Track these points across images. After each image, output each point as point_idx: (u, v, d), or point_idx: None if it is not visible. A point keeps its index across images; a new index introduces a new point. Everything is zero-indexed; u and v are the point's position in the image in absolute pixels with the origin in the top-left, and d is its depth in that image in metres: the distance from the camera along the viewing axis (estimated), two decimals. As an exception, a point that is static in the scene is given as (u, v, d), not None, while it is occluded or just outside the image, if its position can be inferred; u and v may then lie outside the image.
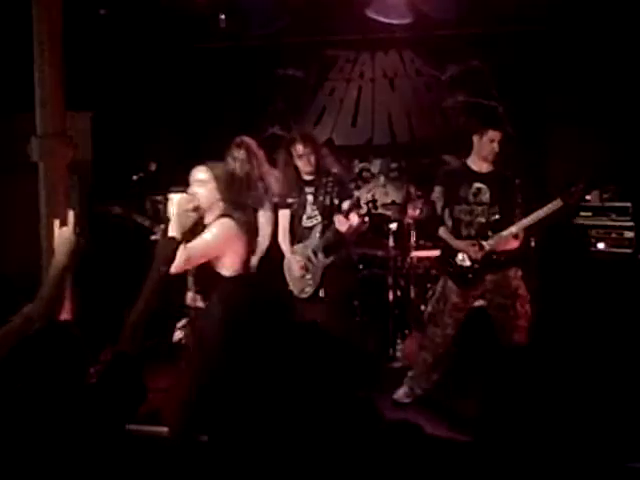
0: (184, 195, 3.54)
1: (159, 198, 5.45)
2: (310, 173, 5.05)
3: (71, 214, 2.91)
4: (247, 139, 5.32)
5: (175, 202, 3.40)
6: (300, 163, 5.01)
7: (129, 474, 2.38)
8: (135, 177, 6.52)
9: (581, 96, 6.72)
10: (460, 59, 7.57)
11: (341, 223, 4.83)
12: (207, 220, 3.71)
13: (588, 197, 6.30)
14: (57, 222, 2.90)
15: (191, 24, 7.19)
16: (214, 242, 3.62)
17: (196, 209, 3.57)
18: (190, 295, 3.79)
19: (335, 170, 5.29)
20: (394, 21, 7.24)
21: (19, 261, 5.81)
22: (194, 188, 3.68)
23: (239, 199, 3.90)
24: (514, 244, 4.65)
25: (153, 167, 5.28)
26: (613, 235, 6.24)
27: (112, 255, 5.90)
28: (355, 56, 7.94)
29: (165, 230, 3.10)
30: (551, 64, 6.92)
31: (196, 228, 3.62)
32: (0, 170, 6.67)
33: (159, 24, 7.10)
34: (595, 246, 6.29)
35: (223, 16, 6.92)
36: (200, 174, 3.72)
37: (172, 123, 7.44)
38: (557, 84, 6.91)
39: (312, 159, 4.99)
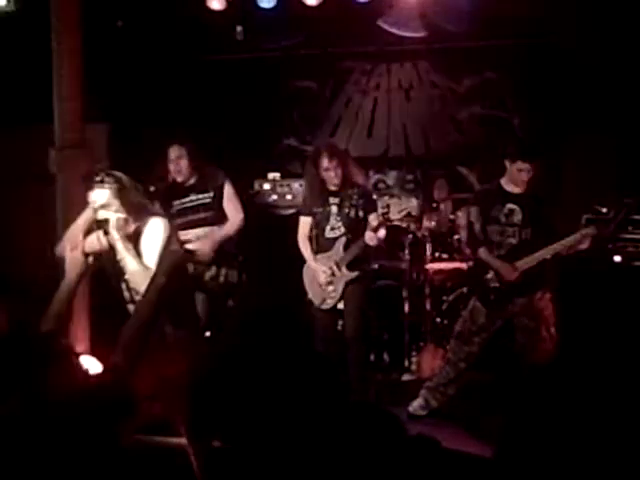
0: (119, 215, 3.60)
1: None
2: (336, 185, 5.05)
3: (80, 236, 2.96)
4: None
5: (113, 221, 3.53)
6: (326, 176, 5.00)
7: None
8: (152, 188, 6.55)
9: (597, 106, 6.69)
10: (475, 71, 7.57)
11: (371, 238, 4.86)
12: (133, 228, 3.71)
13: (604, 210, 6.26)
14: (68, 246, 2.96)
15: (207, 36, 7.23)
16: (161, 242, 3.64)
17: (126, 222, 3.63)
18: None
19: (361, 182, 5.31)
20: (408, 34, 7.27)
21: (33, 271, 5.85)
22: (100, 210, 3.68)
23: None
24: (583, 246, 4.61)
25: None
26: (630, 248, 6.19)
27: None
28: (371, 68, 7.95)
29: (167, 243, 3.12)
30: (566, 75, 6.89)
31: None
32: (15, 180, 6.74)
33: (175, 36, 7.15)
34: (612, 259, 6.24)
35: (240, 28, 6.94)
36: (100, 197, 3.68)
37: (188, 134, 7.46)
38: (572, 95, 6.88)
39: (339, 172, 4.99)
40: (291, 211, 6.88)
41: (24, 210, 7.03)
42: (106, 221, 3.54)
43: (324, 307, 5.13)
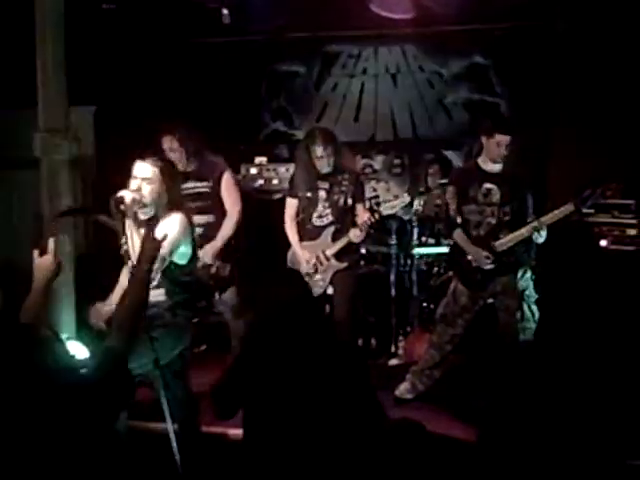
0: (131, 193, 3.52)
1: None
2: (327, 171, 5.00)
3: (51, 242, 2.92)
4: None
5: (126, 201, 3.43)
6: (319, 163, 4.94)
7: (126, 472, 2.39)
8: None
9: (585, 93, 6.69)
10: (463, 55, 7.56)
11: (357, 236, 4.87)
12: (151, 213, 3.67)
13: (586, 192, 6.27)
14: (36, 252, 2.92)
15: (193, 18, 7.16)
16: (180, 236, 3.60)
17: (144, 205, 3.58)
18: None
19: (352, 168, 5.28)
20: (397, 16, 7.23)
21: (20, 257, 5.81)
22: (140, 184, 3.63)
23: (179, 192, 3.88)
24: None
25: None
26: (615, 232, 6.22)
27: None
28: (358, 52, 7.92)
29: (149, 229, 3.09)
30: (555, 60, 6.89)
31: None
32: (1, 164, 6.69)
33: (161, 18, 7.08)
34: (597, 243, 6.28)
35: (227, 11, 6.88)
36: (144, 171, 3.66)
37: (173, 118, 7.42)
38: (561, 81, 6.88)
39: (332, 160, 4.94)
40: (278, 196, 6.87)
41: (9, 195, 7.01)
42: (121, 199, 3.44)
43: None
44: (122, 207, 3.42)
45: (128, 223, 3.53)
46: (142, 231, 3.42)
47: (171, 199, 3.69)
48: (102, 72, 6.82)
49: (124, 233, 3.55)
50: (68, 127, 4.81)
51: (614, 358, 4.72)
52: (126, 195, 3.47)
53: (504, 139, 4.58)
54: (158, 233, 3.15)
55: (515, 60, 7.17)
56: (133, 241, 3.53)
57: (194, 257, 3.85)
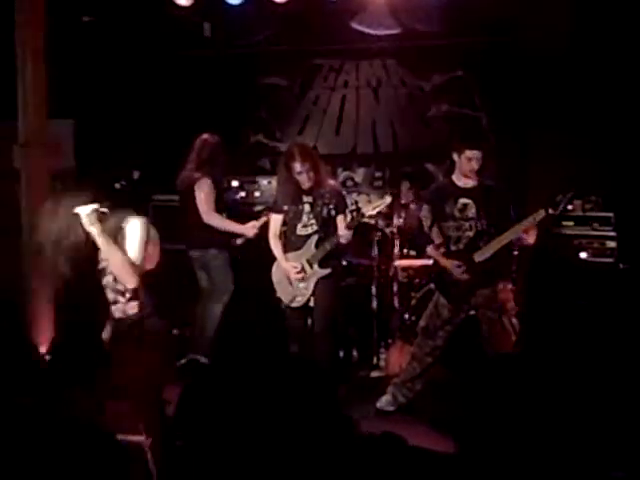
0: (92, 206, 3.50)
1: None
2: (309, 186, 5.05)
3: None
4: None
5: (85, 215, 3.43)
6: (299, 178, 5.00)
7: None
8: (118, 185, 6.48)
9: (564, 105, 6.75)
10: (444, 69, 7.60)
11: (344, 236, 4.93)
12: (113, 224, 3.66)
13: (570, 207, 6.33)
14: None
15: (175, 32, 7.17)
16: (145, 239, 3.62)
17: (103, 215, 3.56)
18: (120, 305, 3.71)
19: (332, 182, 5.33)
20: (379, 32, 7.29)
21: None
22: None
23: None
24: (530, 240, 4.61)
25: (136, 175, 5.26)
26: (595, 245, 6.27)
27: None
28: (339, 65, 7.94)
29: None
30: (534, 73, 6.94)
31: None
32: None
33: (142, 31, 7.08)
34: (577, 255, 6.32)
35: (208, 25, 6.90)
36: None
37: (155, 131, 7.41)
38: (540, 93, 6.94)
39: (311, 175, 4.99)
40: (259, 208, 6.87)
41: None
42: (77, 217, 3.45)
43: (294, 305, 5.14)
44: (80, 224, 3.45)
45: (97, 235, 3.49)
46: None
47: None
48: (81, 84, 6.80)
49: (95, 246, 3.53)
50: (48, 140, 4.80)
51: (596, 369, 4.74)
52: (81, 211, 3.45)
53: (474, 154, 4.64)
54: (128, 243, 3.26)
55: (495, 74, 7.20)
56: (110, 252, 3.53)
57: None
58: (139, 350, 3.57)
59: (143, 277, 3.63)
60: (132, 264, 3.51)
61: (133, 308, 3.64)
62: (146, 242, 3.62)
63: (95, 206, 3.47)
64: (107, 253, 3.50)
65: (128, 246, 3.56)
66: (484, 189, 4.71)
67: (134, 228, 3.60)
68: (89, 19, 6.92)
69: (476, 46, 7.24)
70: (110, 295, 3.65)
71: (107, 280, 3.62)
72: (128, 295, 3.60)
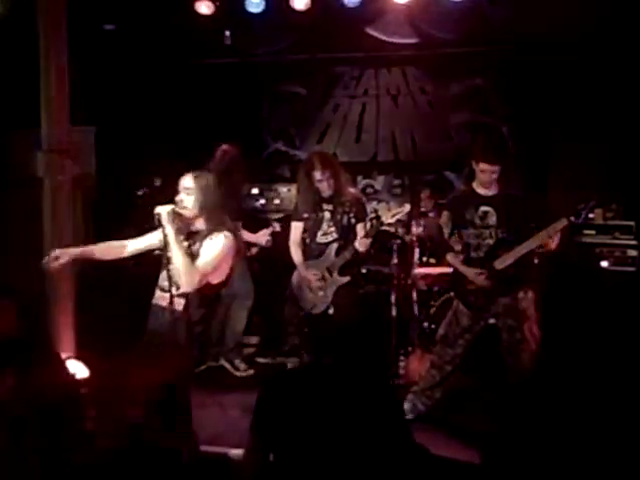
0: (171, 207, 3.71)
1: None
2: (329, 194, 5.09)
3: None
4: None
5: (164, 214, 3.64)
6: (320, 186, 5.04)
7: None
8: (140, 192, 6.53)
9: (585, 114, 6.71)
10: (464, 77, 7.59)
11: (362, 244, 4.94)
12: (197, 227, 3.85)
13: (592, 215, 6.29)
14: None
15: (196, 40, 7.22)
16: (221, 256, 3.77)
17: (181, 217, 3.76)
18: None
19: (352, 190, 5.34)
20: (397, 40, 7.29)
21: (20, 277, 5.81)
22: (181, 195, 3.83)
23: (220, 209, 3.94)
24: (552, 245, 4.58)
25: (157, 182, 5.29)
26: (616, 253, 6.23)
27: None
28: (359, 73, 7.96)
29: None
30: (555, 82, 6.91)
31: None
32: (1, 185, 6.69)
33: (163, 39, 7.13)
34: (598, 264, 6.28)
35: (228, 33, 6.94)
36: (187, 182, 3.85)
37: (176, 138, 7.45)
38: (561, 102, 6.90)
39: (331, 182, 5.03)
40: (279, 215, 6.89)
41: (9, 215, 7.00)
42: (159, 215, 3.65)
43: (314, 311, 5.15)
44: (160, 221, 3.64)
45: (170, 234, 3.65)
46: (185, 243, 3.74)
47: (214, 215, 3.82)
48: (104, 93, 6.85)
49: (166, 242, 3.67)
50: (70, 147, 4.83)
51: (617, 378, 4.69)
52: (162, 210, 3.64)
53: (487, 167, 4.62)
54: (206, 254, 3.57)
55: (516, 82, 7.18)
56: (173, 251, 3.66)
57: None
58: (176, 345, 3.65)
59: (206, 288, 3.77)
60: (194, 270, 3.65)
61: (179, 305, 3.70)
62: (221, 258, 3.76)
63: (173, 206, 3.70)
64: (173, 252, 3.64)
65: (202, 254, 3.73)
66: (505, 197, 4.69)
67: (217, 241, 3.75)
68: (111, 28, 6.98)
69: (495, 54, 7.22)
70: (165, 283, 3.73)
71: (172, 268, 3.69)
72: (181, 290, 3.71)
